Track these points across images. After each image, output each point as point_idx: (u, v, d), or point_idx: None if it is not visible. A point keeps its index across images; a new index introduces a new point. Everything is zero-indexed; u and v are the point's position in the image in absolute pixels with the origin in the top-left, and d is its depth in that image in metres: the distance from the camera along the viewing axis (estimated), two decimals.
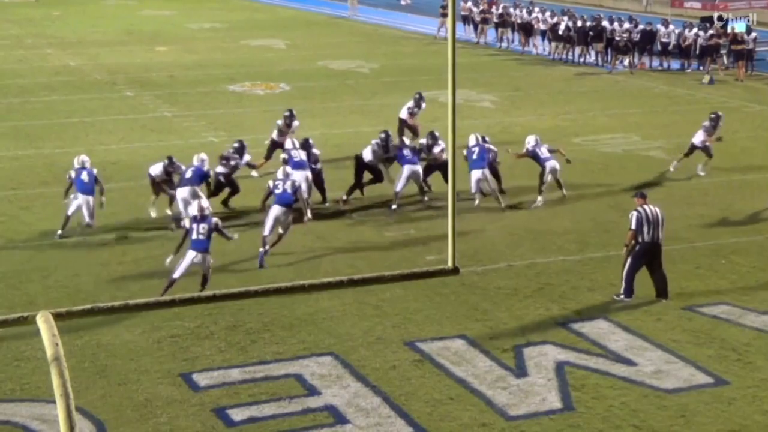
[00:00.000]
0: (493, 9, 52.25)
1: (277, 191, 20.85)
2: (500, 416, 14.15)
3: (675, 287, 18.68)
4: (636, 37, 44.91)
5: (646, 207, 18.36)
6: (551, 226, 22.22)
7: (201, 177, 22.52)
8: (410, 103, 29.52)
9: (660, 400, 14.56)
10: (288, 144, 24.22)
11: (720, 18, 47.33)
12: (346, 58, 46.88)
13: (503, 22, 51.03)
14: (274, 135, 26.46)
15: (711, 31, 44.14)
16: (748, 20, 47.59)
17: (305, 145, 23.89)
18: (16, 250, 21.10)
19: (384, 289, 18.35)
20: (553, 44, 47.57)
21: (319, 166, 23.93)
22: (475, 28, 52.83)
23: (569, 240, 21.28)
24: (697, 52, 44.03)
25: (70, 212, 21.58)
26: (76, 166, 22.19)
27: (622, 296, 18.17)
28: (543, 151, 24.32)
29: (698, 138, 26.24)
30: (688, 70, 44.01)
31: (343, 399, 14.61)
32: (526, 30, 49.43)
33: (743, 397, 14.62)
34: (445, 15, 49.14)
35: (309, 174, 23.11)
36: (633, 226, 18.11)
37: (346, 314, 17.59)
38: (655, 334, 16.70)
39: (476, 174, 23.16)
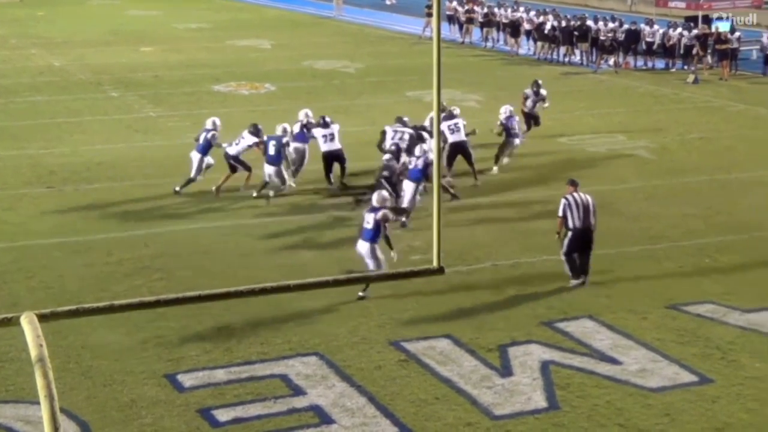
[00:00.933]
0: (478, 8, 52.31)
1: (410, 167, 22.35)
2: (485, 416, 14.16)
3: (659, 286, 18.77)
4: (621, 36, 45.00)
5: (575, 194, 18.87)
6: (535, 226, 22.24)
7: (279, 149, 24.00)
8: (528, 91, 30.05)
9: (645, 398, 14.60)
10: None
11: (706, 18, 47.44)
12: (331, 58, 46.86)
13: (488, 21, 51.06)
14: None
15: (695, 31, 44.29)
16: (733, 20, 47.73)
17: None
18: (0, 250, 21.06)
19: (370, 288, 18.36)
20: (539, 44, 47.64)
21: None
22: (461, 27, 52.80)
23: (554, 239, 21.29)
24: (682, 51, 44.18)
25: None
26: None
27: (571, 281, 18.76)
28: (514, 125, 25.76)
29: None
30: (673, 70, 44.11)
31: (328, 399, 14.61)
32: (512, 30, 49.50)
33: (727, 396, 14.67)
34: (430, 15, 49.18)
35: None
36: (560, 213, 18.86)
37: (331, 314, 17.59)
38: (640, 333, 16.74)
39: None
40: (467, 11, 52.33)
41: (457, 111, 25.72)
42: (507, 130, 26.14)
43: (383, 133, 24.67)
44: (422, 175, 22.43)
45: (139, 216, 23.04)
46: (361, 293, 18.20)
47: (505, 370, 15.46)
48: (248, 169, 24.48)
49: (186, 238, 21.56)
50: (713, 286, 18.86)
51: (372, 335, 16.72)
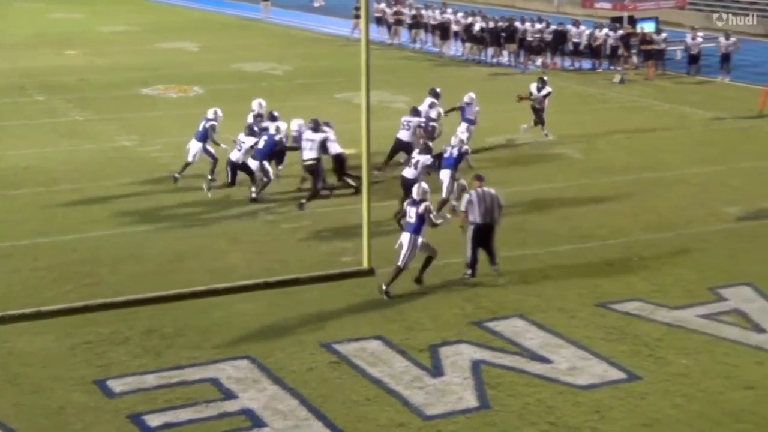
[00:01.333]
0: (406, 10, 52.44)
1: (445, 155, 23.03)
2: (417, 416, 14.19)
3: (588, 284, 18.93)
4: (548, 37, 45.38)
5: (479, 190, 19.20)
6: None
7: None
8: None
9: (574, 396, 14.71)
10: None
11: (631, 19, 47.93)
12: (259, 60, 46.74)
13: (417, 23, 51.25)
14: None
15: (621, 32, 44.77)
16: (657, 20, 48.33)
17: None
18: None
19: (301, 291, 18.35)
20: (467, 45, 47.87)
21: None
22: (389, 29, 52.96)
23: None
24: (608, 52, 44.66)
25: None
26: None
27: (468, 273, 19.19)
28: (470, 112, 27.03)
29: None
30: (599, 70, 44.57)
31: (260, 402, 14.56)
32: (441, 31, 49.68)
33: (655, 392, 14.83)
34: (358, 16, 49.09)
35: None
36: (462, 208, 19.35)
37: (262, 317, 17.52)
38: (569, 331, 16.87)
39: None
40: (395, 13, 52.48)
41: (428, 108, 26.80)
42: (462, 113, 27.76)
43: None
44: (456, 163, 23.21)
45: (66, 220, 22.79)
46: (385, 287, 18.37)
47: (436, 371, 15.50)
48: (252, 175, 24.35)
49: (115, 243, 21.36)
50: (641, 284, 19.05)
51: (303, 337, 16.68)
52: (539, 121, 30.43)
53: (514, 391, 14.83)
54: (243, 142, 24.19)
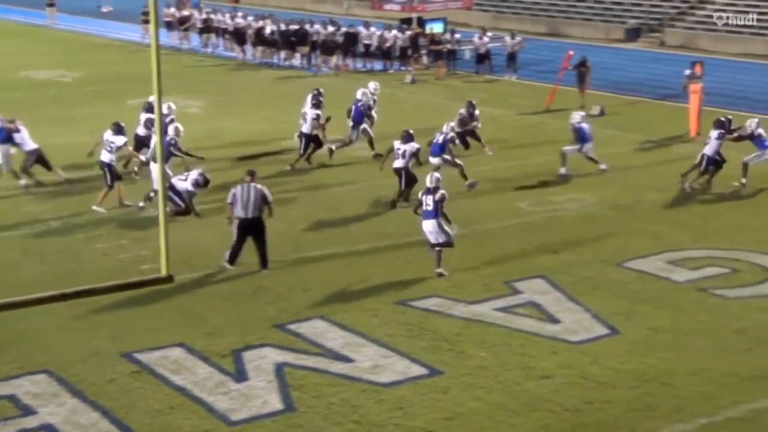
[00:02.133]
0: (197, 14, 52.10)
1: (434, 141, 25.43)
2: (222, 422, 14.13)
3: (387, 283, 19.17)
4: (339, 39, 45.69)
5: (245, 185, 19.74)
6: (268, 228, 22.34)
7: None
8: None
9: (378, 394, 14.87)
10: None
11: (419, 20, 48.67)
12: (47, 67, 45.73)
13: (207, 27, 50.96)
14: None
15: (410, 33, 45.45)
16: (446, 21, 49.24)
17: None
18: None
19: (98, 301, 18.02)
20: (258, 48, 47.84)
21: None
22: (179, 34, 52.52)
23: (283, 242, 21.43)
24: (398, 53, 45.29)
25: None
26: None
27: (226, 263, 19.73)
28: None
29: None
30: (391, 71, 45.14)
31: (60, 417, 14.24)
32: (232, 35, 49.50)
33: (457, 386, 15.12)
34: (147, 21, 48.60)
35: None
36: (228, 200, 19.95)
37: (59, 329, 17.16)
38: (370, 330, 17.04)
39: None
40: (184, 17, 52.08)
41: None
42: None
43: None
44: (442, 151, 25.42)
45: None
46: (439, 270, 19.53)
47: (240, 375, 15.46)
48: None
49: None
50: (439, 281, 19.38)
51: (103, 348, 16.40)
52: (476, 139, 30.09)
53: (318, 392, 14.91)
54: (113, 143, 23.97)
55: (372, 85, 30.51)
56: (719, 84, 38.91)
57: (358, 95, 29.28)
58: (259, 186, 19.77)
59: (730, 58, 48.99)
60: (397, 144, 24.68)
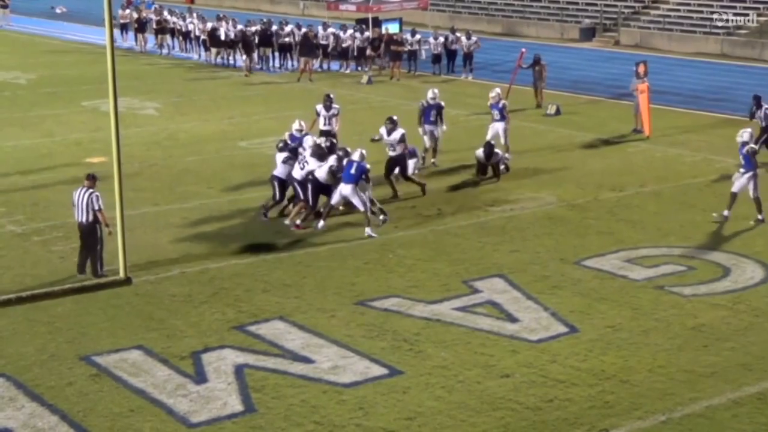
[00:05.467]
0: (153, 16, 51.91)
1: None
2: (182, 424, 14.07)
3: (347, 283, 19.17)
4: (297, 39, 45.63)
5: (81, 190, 19.36)
6: (221, 231, 22.30)
7: None
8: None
9: (338, 394, 14.87)
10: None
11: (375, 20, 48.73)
12: (1, 69, 45.39)
13: (162, 29, 50.78)
14: None
15: (367, 33, 45.49)
16: (401, 21, 49.35)
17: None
18: None
19: (55, 304, 17.91)
20: (213, 50, 47.72)
21: None
22: (135, 35, 52.32)
23: (239, 243, 21.39)
24: (355, 53, 45.33)
25: None
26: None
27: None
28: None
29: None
30: (347, 71, 45.15)
31: (18, 421, 14.13)
32: (186, 36, 49.37)
33: (417, 385, 15.13)
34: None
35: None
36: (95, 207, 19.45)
37: (16, 333, 17.02)
38: (330, 331, 17.03)
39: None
40: (139, 19, 51.88)
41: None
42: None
43: None
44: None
45: None
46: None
47: (200, 377, 15.40)
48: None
49: None
50: (398, 281, 19.40)
51: (61, 352, 16.30)
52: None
53: (279, 393, 14.88)
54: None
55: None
56: (672, 83, 39.21)
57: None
58: (92, 191, 19.27)
59: (684, 57, 49.42)
60: (383, 134, 25.38)
